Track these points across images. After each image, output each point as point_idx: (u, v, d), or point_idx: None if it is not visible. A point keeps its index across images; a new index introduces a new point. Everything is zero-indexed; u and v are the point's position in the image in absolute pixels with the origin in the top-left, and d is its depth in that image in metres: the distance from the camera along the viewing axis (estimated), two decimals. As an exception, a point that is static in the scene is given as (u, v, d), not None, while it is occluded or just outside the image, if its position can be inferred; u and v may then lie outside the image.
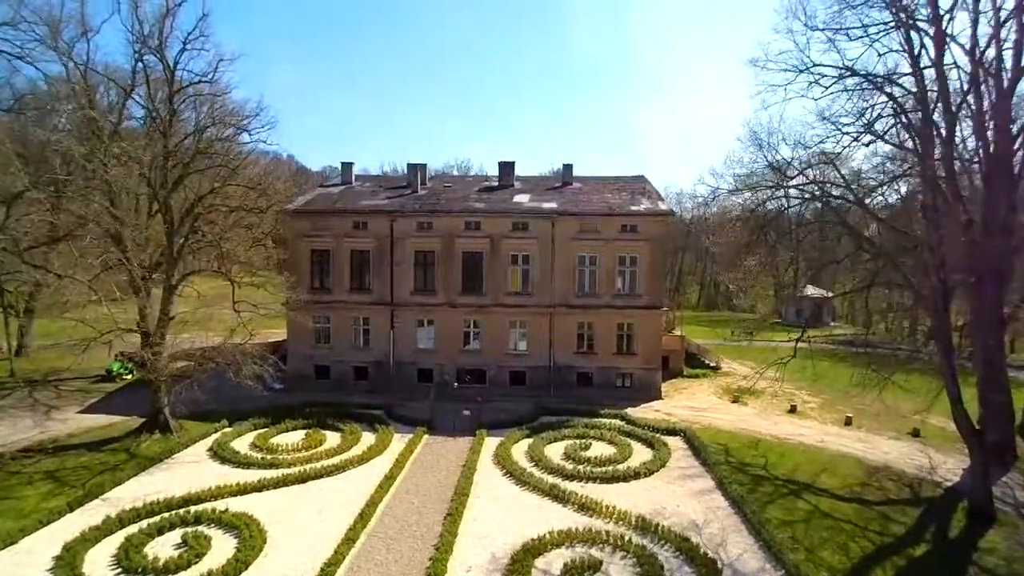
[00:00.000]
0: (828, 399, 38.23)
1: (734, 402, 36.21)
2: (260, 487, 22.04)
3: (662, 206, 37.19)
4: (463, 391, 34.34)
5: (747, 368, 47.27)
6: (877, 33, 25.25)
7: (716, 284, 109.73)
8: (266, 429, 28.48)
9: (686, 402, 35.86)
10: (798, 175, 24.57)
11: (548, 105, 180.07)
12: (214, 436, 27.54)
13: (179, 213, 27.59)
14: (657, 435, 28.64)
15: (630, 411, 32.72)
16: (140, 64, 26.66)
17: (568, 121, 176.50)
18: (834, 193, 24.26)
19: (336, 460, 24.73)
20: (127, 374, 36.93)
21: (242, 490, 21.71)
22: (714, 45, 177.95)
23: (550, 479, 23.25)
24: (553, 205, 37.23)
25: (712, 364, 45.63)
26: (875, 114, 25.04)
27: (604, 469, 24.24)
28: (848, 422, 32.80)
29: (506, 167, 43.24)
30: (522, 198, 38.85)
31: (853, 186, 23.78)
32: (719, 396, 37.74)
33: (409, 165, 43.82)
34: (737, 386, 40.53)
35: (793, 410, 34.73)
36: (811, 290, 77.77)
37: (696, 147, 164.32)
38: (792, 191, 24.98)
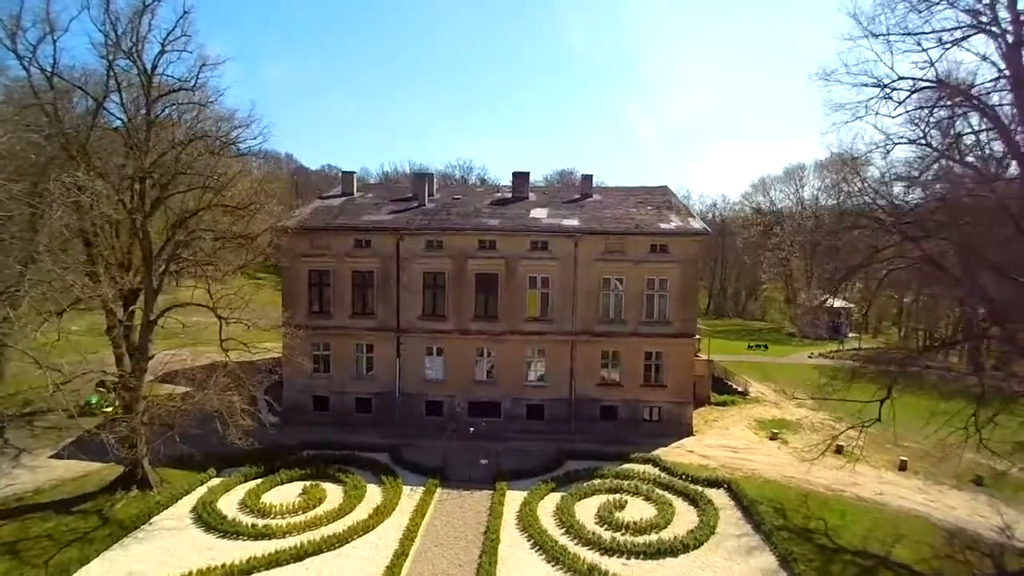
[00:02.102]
0: (872, 434, 34.96)
1: (772, 439, 33.06)
2: (249, 569, 18.80)
3: (694, 224, 33.92)
4: (476, 423, 31.04)
5: (775, 392, 44.32)
6: (953, 38, 22.06)
7: (725, 290, 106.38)
8: (259, 482, 25.25)
9: (720, 440, 32.71)
10: (884, 205, 21.34)
11: (552, 102, 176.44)
12: (199, 491, 24.31)
13: (159, 238, 24.36)
14: (698, 488, 25.51)
15: (662, 453, 29.65)
16: (112, 69, 23.25)
17: (573, 119, 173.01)
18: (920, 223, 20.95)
19: (338, 527, 21.50)
20: (108, 407, 33.62)
21: (228, 574, 18.50)
22: (721, 44, 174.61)
23: (586, 555, 20.09)
24: (574, 222, 33.96)
25: (740, 389, 42.56)
26: (958, 129, 21.89)
27: (647, 540, 21.07)
28: (903, 467, 29.77)
29: (520, 178, 39.90)
30: (539, 213, 35.57)
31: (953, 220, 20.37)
32: (754, 431, 34.59)
33: (415, 175, 40.66)
34: (771, 417, 37.50)
35: (840, 451, 31.55)
36: (829, 300, 74.79)
37: (701, 147, 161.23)
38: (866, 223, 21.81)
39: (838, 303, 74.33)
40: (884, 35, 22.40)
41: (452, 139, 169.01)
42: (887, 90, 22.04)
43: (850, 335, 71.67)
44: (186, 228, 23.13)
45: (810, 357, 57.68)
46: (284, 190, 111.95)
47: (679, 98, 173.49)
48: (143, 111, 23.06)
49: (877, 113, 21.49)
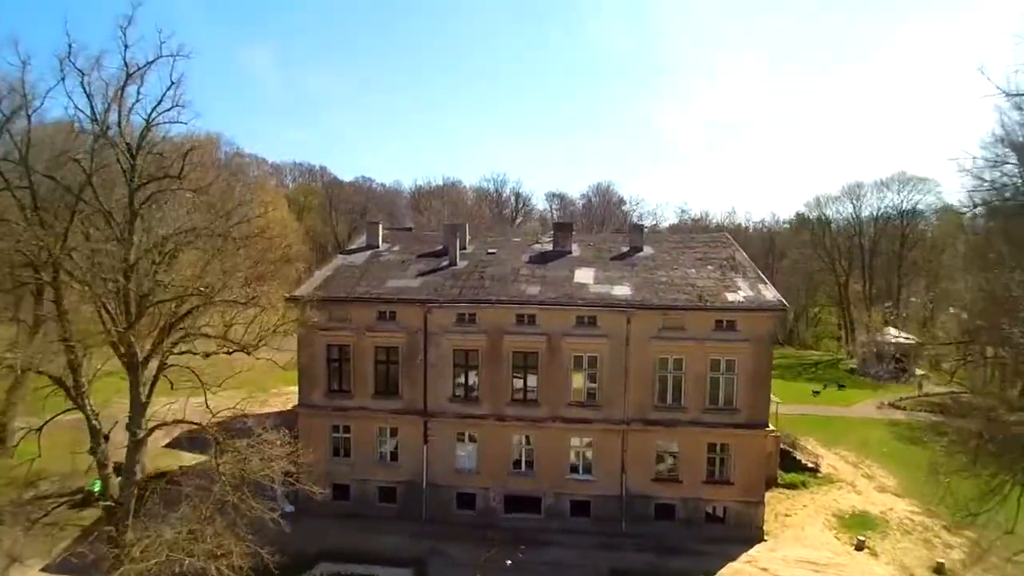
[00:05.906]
0: (973, 538, 29.90)
1: (859, 549, 28.23)
2: None
3: (767, 294, 29.18)
4: (509, 521, 26.97)
5: (849, 465, 39.24)
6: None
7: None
8: (264, 619, 21.81)
9: (797, 549, 28.02)
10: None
11: (587, 107, 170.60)
12: (194, 636, 20.98)
13: (151, 339, 21.07)
14: (783, 642, 21.14)
15: (731, 574, 25.27)
16: (92, 151, 20.00)
17: (610, 125, 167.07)
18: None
19: None
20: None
21: None
22: (761, 40, 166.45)
23: None
24: (626, 290, 29.66)
25: (810, 465, 37.51)
26: None
27: None
28: (1024, 597, 24.70)
29: (562, 229, 35.83)
30: (585, 276, 31.33)
31: None
32: (835, 532, 29.76)
33: (445, 226, 36.84)
34: (851, 508, 32.53)
35: (940, 570, 26.64)
36: (893, 333, 68.30)
37: (743, 156, 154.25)
38: None
39: (902, 338, 67.90)
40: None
41: (483, 147, 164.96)
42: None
43: (917, 372, 64.80)
44: (169, 341, 19.72)
45: (879, 408, 51.98)
46: (319, 204, 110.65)
47: (717, 101, 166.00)
48: (124, 203, 19.67)
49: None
